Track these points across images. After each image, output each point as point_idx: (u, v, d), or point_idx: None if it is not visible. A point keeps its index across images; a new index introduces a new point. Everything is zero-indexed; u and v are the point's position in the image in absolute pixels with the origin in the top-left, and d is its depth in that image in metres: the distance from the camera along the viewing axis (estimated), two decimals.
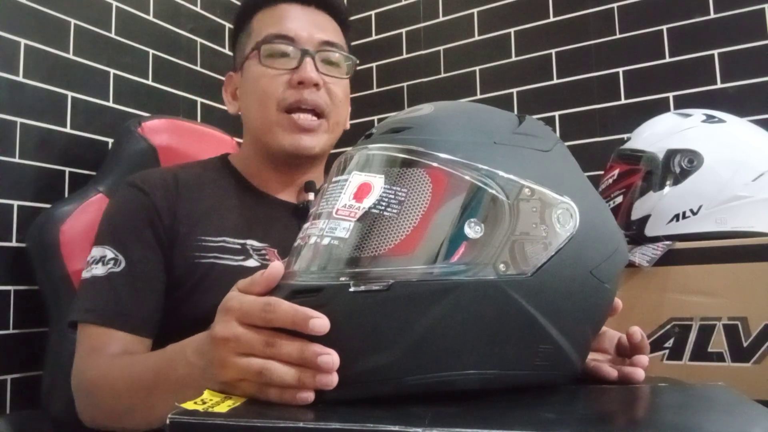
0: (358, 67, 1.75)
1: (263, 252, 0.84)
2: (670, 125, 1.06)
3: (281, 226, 0.87)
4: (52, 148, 1.23)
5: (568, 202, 0.50)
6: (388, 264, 0.47)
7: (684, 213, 0.99)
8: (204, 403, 0.46)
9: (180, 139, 1.22)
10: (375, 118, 1.73)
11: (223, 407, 0.45)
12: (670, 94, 1.37)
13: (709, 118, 1.05)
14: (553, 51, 1.51)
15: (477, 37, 1.61)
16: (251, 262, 0.83)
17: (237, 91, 0.93)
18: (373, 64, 1.75)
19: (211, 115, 1.57)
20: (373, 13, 1.78)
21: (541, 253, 0.48)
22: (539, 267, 0.48)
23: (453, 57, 1.64)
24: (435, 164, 0.49)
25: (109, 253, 0.80)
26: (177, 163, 1.00)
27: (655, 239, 1.00)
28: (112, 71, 1.36)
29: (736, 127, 1.05)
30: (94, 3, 1.33)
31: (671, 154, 1.01)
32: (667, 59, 1.38)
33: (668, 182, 1.01)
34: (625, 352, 0.63)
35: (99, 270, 0.80)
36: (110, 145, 1.27)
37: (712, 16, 1.34)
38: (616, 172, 1.10)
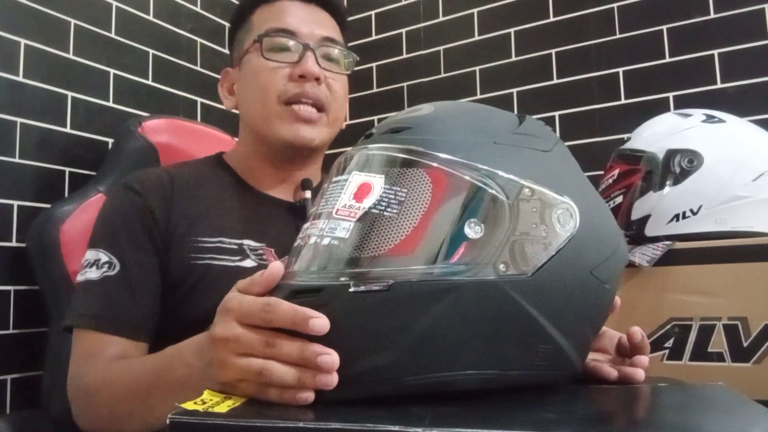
0: (358, 67, 1.76)
1: (260, 252, 0.83)
2: (670, 125, 1.06)
3: (278, 226, 0.87)
4: (52, 148, 1.23)
5: (568, 202, 0.50)
6: (388, 264, 0.47)
7: (684, 213, 0.99)
8: (204, 403, 0.46)
9: (180, 138, 1.22)
10: (375, 118, 1.73)
11: (223, 407, 0.45)
12: (670, 94, 1.37)
13: (709, 118, 1.05)
14: (553, 51, 1.51)
15: (477, 37, 1.61)
16: (248, 263, 0.82)
17: (234, 87, 0.93)
18: (373, 64, 1.75)
19: (211, 115, 1.57)
20: (373, 13, 1.78)
21: (541, 253, 0.48)
22: (539, 267, 0.48)
23: (453, 57, 1.64)
24: (435, 164, 0.49)
25: (104, 257, 0.79)
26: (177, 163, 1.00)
27: (655, 239, 1.00)
28: (112, 71, 1.36)
29: (736, 127, 1.05)
30: (94, 3, 1.33)
31: (671, 154, 1.01)
32: (667, 59, 1.38)
33: (668, 182, 1.01)
34: (626, 352, 0.63)
35: (93, 274, 0.79)
36: (110, 145, 1.27)
37: (712, 16, 1.34)
38: (616, 172, 1.10)
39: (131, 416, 0.66)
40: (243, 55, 0.89)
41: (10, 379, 1.14)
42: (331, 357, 0.46)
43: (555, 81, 1.50)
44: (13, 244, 1.15)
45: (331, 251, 0.49)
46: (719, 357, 0.90)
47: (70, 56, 1.27)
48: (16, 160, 1.17)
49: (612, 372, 0.59)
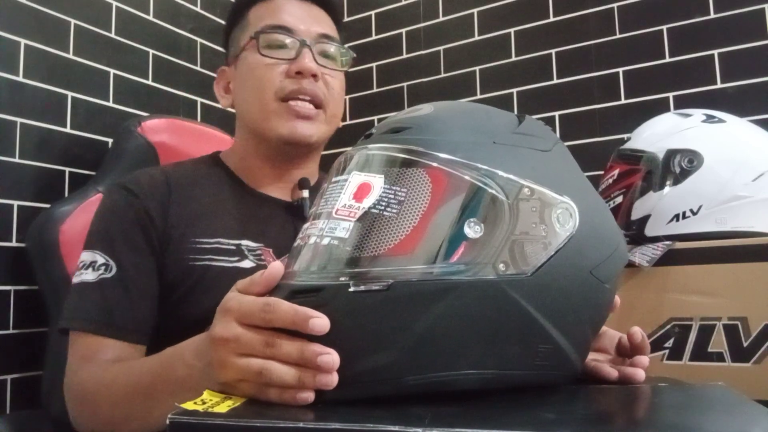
0: (358, 67, 1.76)
1: (258, 252, 0.83)
2: (670, 125, 1.06)
3: (276, 225, 0.86)
4: (52, 148, 1.23)
5: (568, 202, 0.50)
6: (388, 264, 0.47)
7: (684, 213, 0.99)
8: (204, 403, 0.46)
9: (180, 138, 1.22)
10: (375, 118, 1.73)
11: (223, 407, 0.45)
12: (670, 94, 1.37)
13: (709, 118, 1.05)
14: (553, 51, 1.51)
15: (477, 37, 1.61)
16: (246, 263, 0.81)
17: (230, 85, 0.92)
18: (373, 64, 1.75)
19: (211, 115, 1.57)
20: (373, 13, 1.78)
21: (541, 253, 0.48)
22: (539, 267, 0.48)
23: (453, 57, 1.64)
24: (435, 164, 0.49)
25: (100, 259, 0.78)
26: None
27: (655, 239, 1.00)
28: (112, 71, 1.36)
29: (736, 127, 1.05)
30: (94, 3, 1.34)
31: (671, 154, 1.01)
32: (667, 59, 1.38)
33: (668, 182, 1.01)
34: (626, 352, 0.63)
35: (89, 275, 0.78)
36: (110, 145, 1.27)
37: (712, 16, 1.34)
38: (616, 172, 1.10)
39: (130, 418, 0.66)
40: (239, 53, 0.89)
41: (10, 379, 1.14)
42: (331, 357, 0.46)
43: (555, 81, 1.50)
44: (13, 244, 1.15)
45: (331, 251, 0.49)
46: (719, 357, 0.90)
47: (70, 56, 1.27)
48: (16, 160, 1.17)
49: (612, 372, 0.59)
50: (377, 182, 0.49)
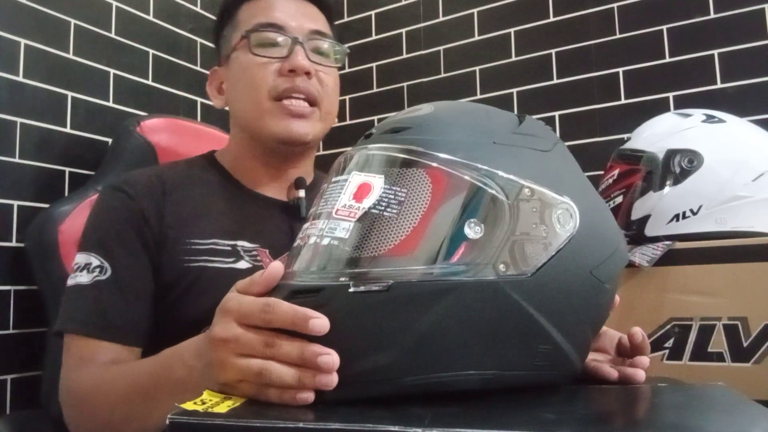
0: (358, 67, 1.76)
1: (254, 253, 0.82)
2: (670, 125, 1.06)
3: (272, 226, 0.85)
4: (52, 148, 1.23)
5: (568, 202, 0.50)
6: (388, 264, 0.47)
7: (684, 213, 0.99)
8: (203, 403, 0.46)
9: (179, 138, 1.22)
10: (375, 118, 1.73)
11: (223, 407, 0.45)
12: (670, 94, 1.37)
13: (709, 118, 1.05)
14: (553, 51, 1.51)
15: (477, 37, 1.61)
16: (242, 264, 0.81)
17: (223, 85, 0.91)
18: (373, 64, 1.75)
19: (211, 115, 1.57)
20: (373, 13, 1.78)
21: (541, 254, 0.48)
22: (539, 267, 0.48)
23: (453, 57, 1.64)
24: (435, 164, 0.49)
25: (95, 261, 0.78)
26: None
27: (655, 239, 1.00)
28: (112, 71, 1.36)
29: (736, 127, 1.05)
30: (94, 3, 1.33)
31: (671, 154, 1.01)
32: (667, 59, 1.38)
33: (668, 182, 1.01)
34: (626, 352, 0.63)
35: (84, 278, 0.77)
36: (109, 145, 1.27)
37: (712, 16, 1.34)
38: (616, 172, 1.10)
39: (129, 420, 0.65)
40: (231, 53, 0.88)
41: (10, 379, 1.14)
42: (331, 357, 0.46)
43: (555, 81, 1.50)
44: (13, 244, 1.15)
45: (331, 251, 0.49)
46: (719, 357, 0.90)
47: (70, 56, 1.27)
48: (16, 160, 1.17)
49: (612, 372, 0.59)
50: (377, 182, 0.49)
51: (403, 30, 1.72)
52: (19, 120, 1.17)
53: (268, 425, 0.42)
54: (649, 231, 1.02)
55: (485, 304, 0.46)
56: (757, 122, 1.11)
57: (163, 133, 1.21)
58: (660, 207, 1.01)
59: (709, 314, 0.92)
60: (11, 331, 1.14)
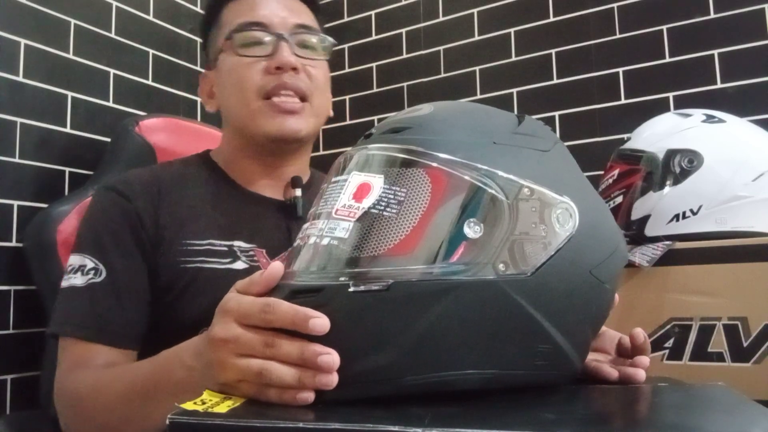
0: (358, 67, 1.76)
1: (251, 253, 0.81)
2: (670, 125, 1.06)
3: (269, 225, 0.85)
4: (52, 148, 1.23)
5: (568, 202, 0.50)
6: (388, 264, 0.47)
7: (684, 213, 0.99)
8: (203, 403, 0.46)
9: (178, 138, 1.22)
10: (375, 118, 1.73)
11: (223, 407, 0.45)
12: (670, 94, 1.37)
13: (709, 118, 1.05)
14: (553, 51, 1.51)
15: (477, 37, 1.61)
16: (239, 264, 0.80)
17: (213, 89, 0.90)
18: (373, 64, 1.75)
19: (210, 115, 1.57)
20: (373, 13, 1.77)
21: (541, 253, 0.48)
22: (539, 267, 0.48)
23: (453, 57, 1.64)
24: (434, 164, 0.49)
25: (89, 263, 0.77)
26: None
27: (655, 239, 1.00)
28: (112, 71, 1.36)
29: (736, 127, 1.05)
30: (94, 3, 1.34)
31: (671, 154, 1.01)
32: (667, 59, 1.38)
33: (668, 182, 1.01)
34: (626, 353, 0.63)
35: (78, 280, 0.76)
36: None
37: (712, 16, 1.34)
38: (616, 172, 1.10)
39: (127, 421, 0.65)
40: (217, 55, 0.87)
41: (10, 379, 1.14)
42: (331, 357, 0.46)
43: (555, 81, 1.50)
44: (13, 244, 1.15)
45: (331, 251, 0.49)
46: (719, 357, 0.90)
47: (70, 56, 1.28)
48: (16, 160, 1.17)
49: (613, 372, 0.59)
50: (377, 182, 0.49)
51: (403, 30, 1.72)
52: (19, 120, 1.17)
53: (268, 425, 0.42)
54: (649, 231, 1.02)
55: (485, 304, 0.46)
56: (757, 122, 1.11)
57: (162, 132, 1.21)
58: (660, 207, 1.01)
59: (709, 314, 0.91)
60: (11, 331, 1.14)
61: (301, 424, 0.41)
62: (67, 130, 1.26)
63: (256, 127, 0.83)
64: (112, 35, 1.37)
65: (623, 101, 1.42)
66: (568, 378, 0.54)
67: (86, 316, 0.75)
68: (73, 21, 1.28)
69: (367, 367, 0.47)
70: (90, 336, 0.74)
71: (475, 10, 1.62)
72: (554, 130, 1.31)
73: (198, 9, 1.60)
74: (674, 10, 1.37)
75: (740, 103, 1.26)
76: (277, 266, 0.50)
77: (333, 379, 0.46)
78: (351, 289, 0.46)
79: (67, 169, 1.25)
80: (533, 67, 1.53)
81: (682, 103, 1.35)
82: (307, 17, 0.88)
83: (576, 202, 0.50)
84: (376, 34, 1.77)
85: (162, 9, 1.49)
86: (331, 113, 0.93)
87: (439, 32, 1.67)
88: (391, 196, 0.48)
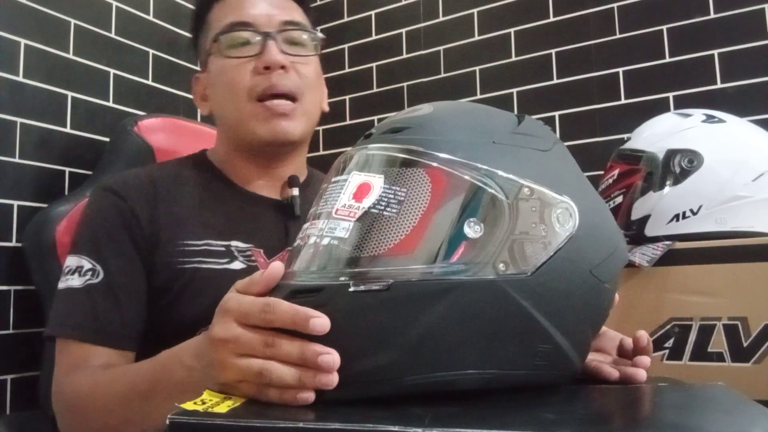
0: (358, 67, 1.76)
1: (249, 253, 0.81)
2: (670, 125, 1.06)
3: (266, 225, 0.84)
4: (52, 148, 1.23)
5: (568, 202, 0.50)
6: (388, 264, 0.47)
7: (684, 213, 0.99)
8: (204, 403, 0.46)
9: (177, 137, 1.22)
10: (375, 118, 1.73)
11: (223, 407, 0.45)
12: (670, 94, 1.37)
13: (709, 118, 1.05)
14: (553, 51, 1.51)
15: (477, 37, 1.61)
16: (237, 265, 0.80)
17: (206, 91, 0.89)
18: (373, 64, 1.75)
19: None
20: (373, 13, 1.78)
21: (541, 253, 0.48)
22: (539, 267, 0.48)
23: (453, 57, 1.64)
24: (434, 164, 0.49)
25: (86, 264, 0.76)
26: None
27: (655, 239, 1.00)
28: (112, 71, 1.36)
29: (736, 127, 1.05)
30: (94, 3, 1.34)
31: (671, 154, 1.01)
32: (667, 59, 1.38)
33: (668, 182, 1.01)
34: (627, 354, 0.63)
35: (76, 281, 0.76)
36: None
37: (712, 16, 1.34)
38: (616, 172, 1.10)
39: (127, 422, 0.64)
40: (207, 58, 0.86)
41: (10, 379, 1.14)
42: (331, 357, 0.46)
43: (555, 81, 1.50)
44: (13, 243, 1.15)
45: (331, 251, 0.49)
46: (719, 357, 0.90)
47: (70, 56, 1.28)
48: (16, 160, 1.17)
49: (613, 372, 0.59)
50: (377, 182, 0.49)
51: (403, 30, 1.72)
52: (19, 120, 1.17)
53: (268, 425, 0.42)
54: (649, 231, 1.02)
55: (485, 304, 0.46)
56: (757, 122, 1.11)
57: (161, 132, 1.20)
58: (660, 207, 1.01)
59: (709, 314, 0.92)
60: (11, 331, 1.14)
61: (301, 424, 0.41)
62: (67, 130, 1.26)
63: (248, 130, 0.82)
64: (112, 35, 1.37)
65: (623, 101, 1.42)
66: (568, 378, 0.54)
67: (84, 318, 0.75)
68: (73, 21, 1.28)
69: (367, 367, 0.47)
70: (88, 337, 0.74)
71: (475, 10, 1.62)
72: (554, 130, 1.31)
73: None
74: (674, 10, 1.37)
75: (740, 103, 1.26)
76: (277, 266, 0.50)
77: (333, 379, 0.46)
78: (351, 289, 0.46)
79: (67, 169, 1.25)
80: (533, 67, 1.53)
81: (682, 103, 1.35)
82: (295, 13, 0.87)
83: (576, 201, 0.50)
84: (376, 34, 1.77)
85: (162, 9, 1.49)
86: (326, 108, 0.92)
87: (439, 32, 1.67)
88: (391, 196, 0.48)
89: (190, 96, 0.94)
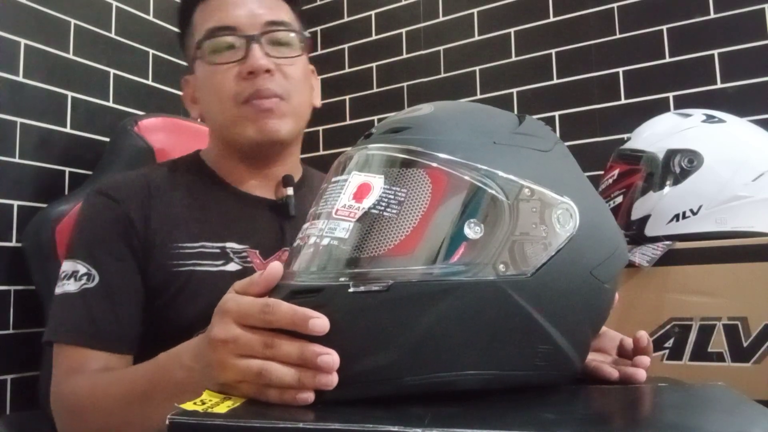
0: (358, 67, 1.76)
1: (244, 254, 0.81)
2: (670, 125, 1.06)
3: (261, 225, 0.84)
4: (52, 148, 1.23)
5: (568, 203, 0.50)
6: (388, 264, 0.47)
7: (684, 213, 0.99)
8: (203, 403, 0.46)
9: (177, 137, 1.21)
10: (375, 118, 1.73)
11: (223, 408, 0.45)
12: (670, 94, 1.37)
13: (709, 118, 1.05)
14: (553, 51, 1.51)
15: (477, 37, 1.61)
16: (232, 266, 0.79)
17: (196, 94, 0.88)
18: (373, 64, 1.75)
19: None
20: (373, 13, 1.77)
21: (541, 254, 0.48)
22: (539, 267, 0.48)
23: (453, 57, 1.64)
24: (434, 164, 0.49)
25: (82, 268, 0.76)
26: None
27: (655, 239, 1.00)
28: (112, 71, 1.36)
29: (736, 127, 1.05)
30: (94, 3, 1.34)
31: (671, 154, 1.01)
32: (667, 59, 1.38)
33: (668, 182, 1.01)
34: (628, 354, 0.63)
35: (71, 286, 0.76)
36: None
37: (712, 16, 1.34)
38: (616, 172, 1.10)
39: (126, 425, 0.64)
40: (193, 62, 0.86)
41: (10, 379, 1.14)
42: (331, 357, 0.46)
43: (555, 81, 1.50)
44: (13, 243, 1.15)
45: (331, 251, 0.49)
46: (719, 357, 0.90)
47: (70, 56, 1.28)
48: (16, 160, 1.17)
49: (613, 372, 0.59)
50: (377, 182, 0.49)
51: (403, 30, 1.72)
52: (19, 120, 1.17)
53: (268, 425, 0.42)
54: (649, 231, 1.02)
55: (485, 304, 0.46)
56: (757, 122, 1.11)
57: (161, 132, 1.20)
58: (660, 207, 1.01)
59: (709, 314, 0.91)
60: (11, 331, 1.14)
61: (301, 424, 0.41)
62: (67, 130, 1.26)
63: (237, 133, 0.82)
64: (112, 35, 1.37)
65: (623, 101, 1.42)
66: (568, 378, 0.54)
67: (81, 322, 0.75)
68: (73, 21, 1.28)
69: (367, 367, 0.47)
70: (85, 341, 0.74)
71: (475, 10, 1.62)
72: (554, 130, 1.30)
73: None
74: (674, 10, 1.37)
75: (740, 103, 1.26)
76: (276, 266, 0.50)
77: (333, 379, 0.46)
78: (351, 290, 0.46)
79: (67, 169, 1.25)
80: (533, 67, 1.53)
81: (682, 103, 1.35)
82: (282, 12, 0.85)
83: (576, 202, 0.50)
84: (376, 34, 1.77)
85: (162, 9, 1.49)
86: (317, 104, 0.91)
87: (439, 32, 1.67)
88: (392, 197, 0.48)
89: None
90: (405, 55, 1.72)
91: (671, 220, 0.99)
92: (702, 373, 0.90)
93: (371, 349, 0.46)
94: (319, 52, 1.81)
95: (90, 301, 0.75)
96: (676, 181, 1.00)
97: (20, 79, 1.18)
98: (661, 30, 1.39)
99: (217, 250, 0.80)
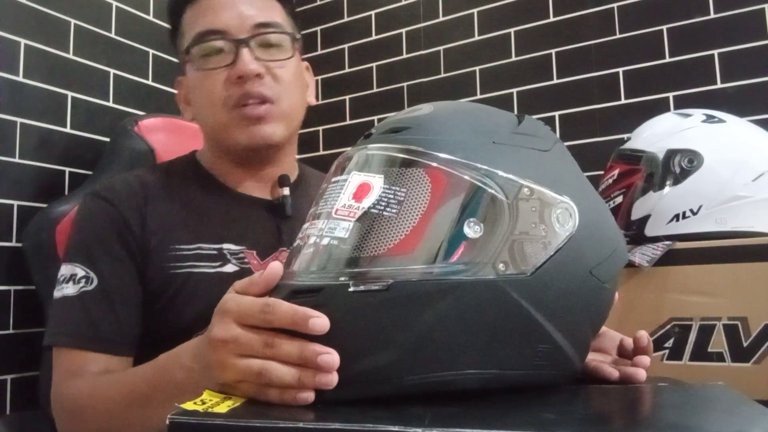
0: (358, 67, 1.76)
1: (241, 255, 0.81)
2: (670, 125, 1.06)
3: (258, 226, 0.84)
4: (52, 148, 1.23)
5: (568, 202, 0.50)
6: (388, 264, 0.47)
7: (684, 213, 0.99)
8: (203, 403, 0.46)
9: (177, 137, 1.21)
10: (375, 118, 1.73)
11: (223, 407, 0.45)
12: (670, 94, 1.37)
13: (709, 118, 1.05)
14: (553, 51, 1.51)
15: (477, 37, 1.61)
16: (229, 267, 0.79)
17: (188, 95, 0.87)
18: (373, 64, 1.75)
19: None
20: (373, 13, 1.78)
21: (541, 253, 0.48)
22: (539, 267, 0.48)
23: (453, 57, 1.64)
24: (434, 164, 0.49)
25: (80, 271, 0.76)
26: None
27: (655, 239, 1.00)
28: (112, 71, 1.36)
29: (736, 127, 1.05)
30: (94, 3, 1.34)
31: (671, 154, 1.01)
32: (667, 59, 1.38)
33: (668, 182, 1.01)
34: (628, 354, 0.63)
35: (70, 289, 0.76)
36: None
37: (712, 16, 1.34)
38: (616, 172, 1.10)
39: (127, 426, 0.64)
40: (184, 65, 0.86)
41: (10, 379, 1.14)
42: (331, 356, 0.46)
43: (555, 81, 1.50)
44: (13, 244, 1.15)
45: (331, 251, 0.49)
46: (719, 357, 0.90)
47: (70, 56, 1.28)
48: (16, 160, 1.17)
49: (613, 372, 0.59)
50: (377, 182, 0.49)
51: (403, 30, 1.72)
52: (19, 120, 1.17)
53: (268, 425, 0.42)
54: (649, 231, 1.02)
55: (485, 304, 0.46)
56: (757, 122, 1.11)
57: (161, 132, 1.20)
58: (660, 207, 1.01)
59: (709, 314, 0.91)
60: (11, 331, 1.14)
61: (301, 424, 0.41)
62: (67, 130, 1.26)
63: (228, 138, 0.82)
64: (112, 35, 1.37)
65: (623, 101, 1.42)
66: (568, 378, 0.54)
67: (80, 325, 0.75)
68: (73, 21, 1.28)
69: (367, 367, 0.47)
70: (85, 344, 0.74)
71: (475, 10, 1.62)
72: (554, 130, 1.30)
73: None
74: (674, 10, 1.37)
75: (740, 103, 1.26)
76: (276, 266, 0.50)
77: (333, 379, 0.46)
78: (351, 289, 0.46)
79: (67, 169, 1.25)
80: (533, 67, 1.53)
81: (682, 103, 1.35)
82: (273, 12, 0.83)
83: (576, 201, 0.50)
84: (376, 34, 1.77)
85: (162, 9, 1.49)
86: (312, 101, 0.90)
87: (439, 32, 1.67)
88: (391, 196, 0.48)
89: None
90: (405, 55, 1.72)
91: (671, 220, 1.00)
92: (702, 373, 0.90)
93: (371, 349, 0.46)
94: (319, 52, 1.81)
95: (89, 304, 0.75)
96: (676, 181, 1.00)
97: (20, 79, 1.18)
98: (661, 30, 1.39)
99: (215, 252, 0.80)
